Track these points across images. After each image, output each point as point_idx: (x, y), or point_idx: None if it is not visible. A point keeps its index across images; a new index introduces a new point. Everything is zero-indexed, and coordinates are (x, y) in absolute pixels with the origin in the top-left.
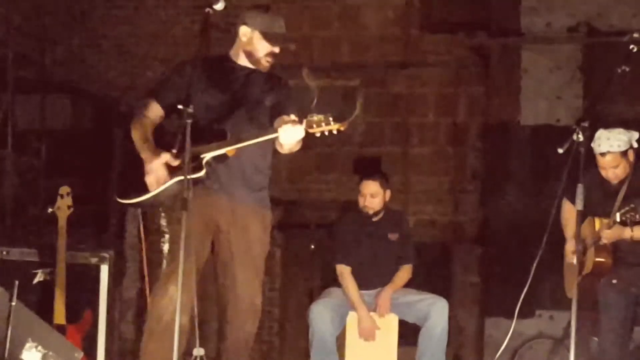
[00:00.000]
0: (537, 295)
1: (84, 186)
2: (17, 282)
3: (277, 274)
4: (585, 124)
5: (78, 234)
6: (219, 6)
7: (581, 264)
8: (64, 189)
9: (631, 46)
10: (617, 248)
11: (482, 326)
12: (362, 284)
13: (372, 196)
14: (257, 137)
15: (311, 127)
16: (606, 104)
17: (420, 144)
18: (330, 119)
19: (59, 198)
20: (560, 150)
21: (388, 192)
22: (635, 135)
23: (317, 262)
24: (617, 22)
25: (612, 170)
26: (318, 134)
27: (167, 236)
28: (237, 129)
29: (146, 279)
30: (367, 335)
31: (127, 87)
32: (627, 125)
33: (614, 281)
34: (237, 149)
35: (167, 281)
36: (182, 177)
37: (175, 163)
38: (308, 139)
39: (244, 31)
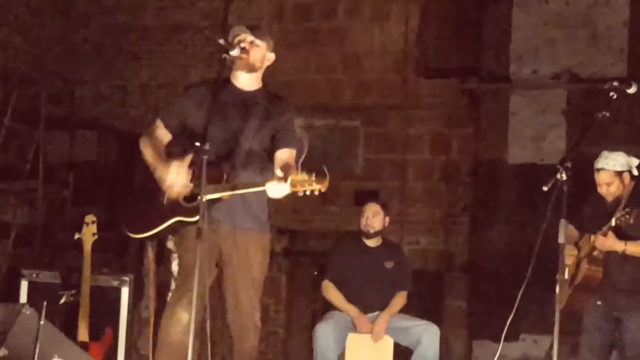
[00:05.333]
0: (521, 321)
1: (107, 214)
2: (45, 303)
3: (282, 297)
4: (568, 164)
5: (101, 258)
6: (235, 52)
7: (573, 275)
8: (90, 218)
9: (611, 93)
10: (607, 268)
11: (470, 348)
12: (360, 308)
13: (374, 215)
14: (249, 187)
15: (295, 186)
16: (587, 146)
17: (416, 179)
18: (314, 179)
19: (84, 226)
20: (545, 188)
21: (387, 219)
22: (635, 161)
23: (320, 287)
24: (598, 71)
25: (606, 187)
26: (301, 194)
27: (175, 255)
28: (234, 170)
29: (151, 303)
30: (365, 330)
31: (148, 124)
32: None
33: (599, 302)
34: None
35: (175, 306)
36: (180, 219)
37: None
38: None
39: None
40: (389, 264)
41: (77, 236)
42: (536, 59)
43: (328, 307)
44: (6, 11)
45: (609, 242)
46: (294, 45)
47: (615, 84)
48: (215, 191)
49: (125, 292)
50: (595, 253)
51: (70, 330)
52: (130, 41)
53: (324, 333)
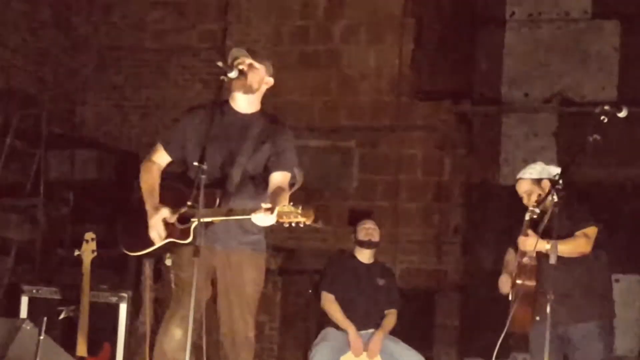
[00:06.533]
0: (511, 339)
1: (106, 232)
2: (45, 319)
3: (277, 315)
4: (559, 186)
5: (100, 275)
6: (233, 74)
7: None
8: (89, 235)
9: (602, 117)
10: (540, 276)
11: None
12: (354, 324)
13: (374, 229)
14: (237, 214)
15: (281, 217)
16: (578, 168)
17: (409, 199)
18: (299, 212)
19: (84, 243)
20: (537, 210)
21: (380, 237)
22: (554, 169)
23: (314, 305)
24: (588, 94)
25: (527, 196)
26: (287, 225)
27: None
28: (227, 195)
29: (147, 319)
30: (355, 350)
31: (147, 143)
32: (598, 188)
33: (537, 318)
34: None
35: (169, 322)
36: (172, 240)
37: (172, 220)
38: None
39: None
40: (380, 281)
41: (77, 253)
42: (528, 82)
43: (322, 325)
44: (9, 33)
45: (529, 241)
46: (290, 67)
47: (606, 107)
48: (207, 215)
49: (123, 308)
50: (524, 260)
51: (69, 345)
52: (130, 62)
53: (321, 354)
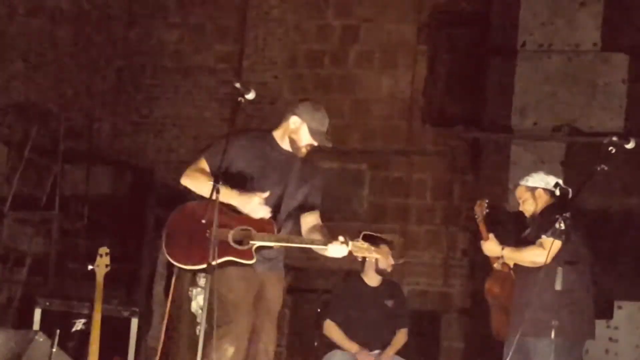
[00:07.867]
0: None
1: (119, 246)
2: (58, 331)
3: (285, 332)
4: (567, 214)
5: (112, 289)
6: (250, 96)
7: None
8: (103, 250)
9: (610, 148)
10: (515, 285)
11: None
12: (362, 346)
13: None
14: (307, 243)
15: (356, 251)
16: (585, 197)
17: (418, 222)
18: (373, 249)
19: (98, 257)
20: (544, 237)
21: None
22: (553, 179)
23: (322, 324)
24: (596, 125)
25: (521, 203)
26: (360, 258)
27: (198, 289)
28: (283, 222)
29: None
30: None
31: (162, 161)
32: (603, 216)
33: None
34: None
35: (222, 340)
36: (231, 258)
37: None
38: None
39: (294, 120)
40: (389, 303)
41: (90, 267)
42: (537, 111)
43: (329, 343)
44: (30, 49)
45: (486, 246)
46: (305, 90)
47: (614, 139)
48: (269, 240)
49: (134, 323)
50: (496, 266)
51: (80, 358)
52: (147, 80)
53: None
